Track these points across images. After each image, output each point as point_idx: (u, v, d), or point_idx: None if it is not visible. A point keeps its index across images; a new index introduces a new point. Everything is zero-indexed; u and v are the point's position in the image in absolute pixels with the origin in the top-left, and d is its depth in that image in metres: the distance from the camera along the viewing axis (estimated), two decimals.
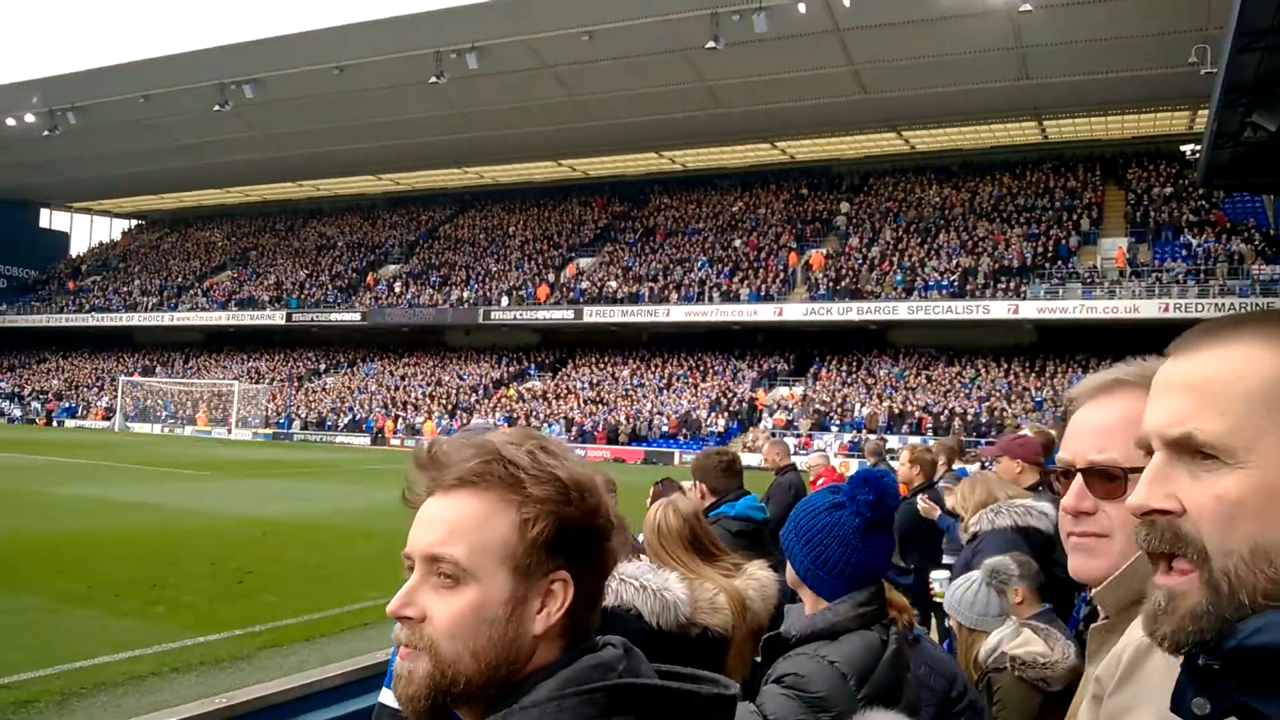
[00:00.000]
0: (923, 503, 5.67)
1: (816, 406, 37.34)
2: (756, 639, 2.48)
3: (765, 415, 38.17)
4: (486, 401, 43.41)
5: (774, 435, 32.86)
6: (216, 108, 43.44)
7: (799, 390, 39.62)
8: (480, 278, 49.81)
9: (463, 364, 49.04)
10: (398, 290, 51.21)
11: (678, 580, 2.56)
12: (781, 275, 42.42)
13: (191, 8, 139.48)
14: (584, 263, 49.19)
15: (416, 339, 51.40)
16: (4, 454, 26.61)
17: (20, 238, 66.29)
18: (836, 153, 49.22)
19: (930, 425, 33.50)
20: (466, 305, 47.83)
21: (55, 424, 49.28)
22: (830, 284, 40.33)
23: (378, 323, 50.04)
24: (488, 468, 0.97)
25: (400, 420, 43.11)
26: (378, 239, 58.71)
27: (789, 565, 2.16)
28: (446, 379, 47.31)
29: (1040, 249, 38.42)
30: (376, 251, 57.09)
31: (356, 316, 50.27)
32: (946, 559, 5.27)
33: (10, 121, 48.77)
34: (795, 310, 40.16)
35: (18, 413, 51.55)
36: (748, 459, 31.52)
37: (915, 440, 23.71)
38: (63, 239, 72.83)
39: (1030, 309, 35.66)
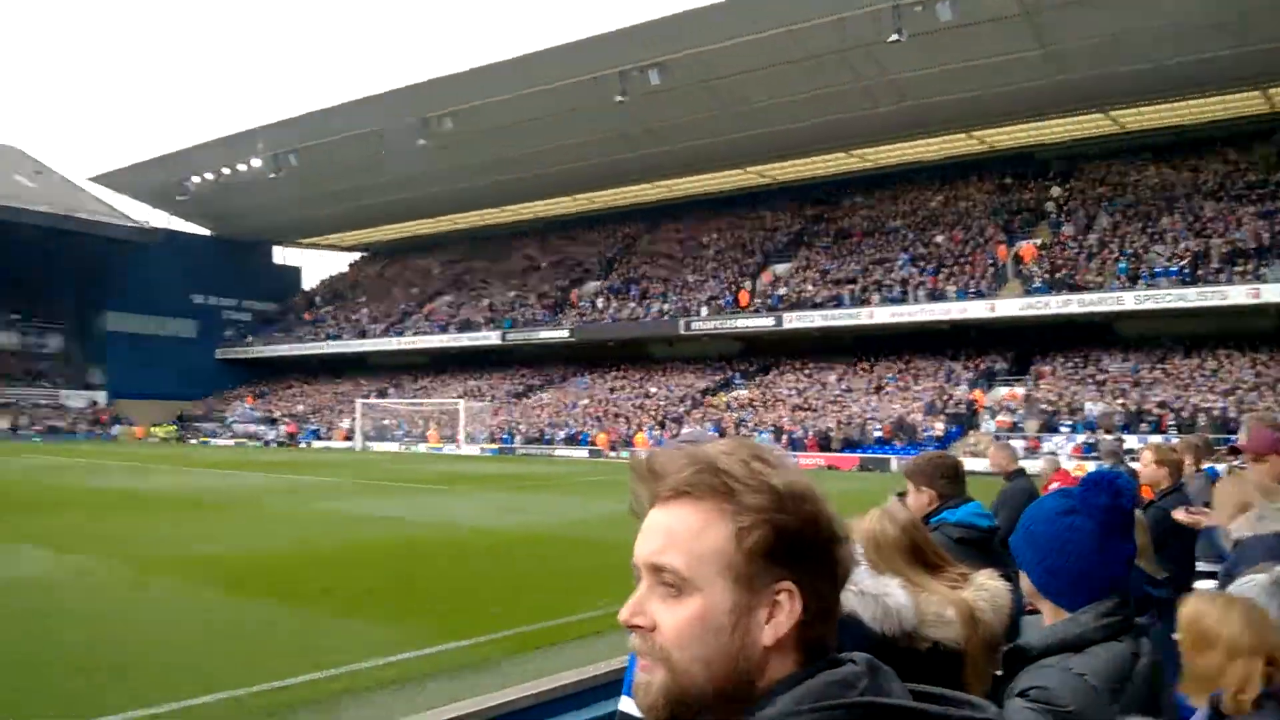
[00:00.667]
0: (1184, 516, 5.31)
1: (1042, 406, 35.44)
2: (991, 652, 2.41)
3: (986, 417, 36.59)
4: (695, 411, 43.83)
5: (998, 438, 31.44)
6: (421, 141, 46.10)
7: (1021, 390, 37.75)
8: (678, 289, 50.43)
9: (668, 375, 49.72)
10: (600, 306, 52.58)
11: (899, 586, 2.52)
12: (991, 270, 40.64)
13: (392, 49, 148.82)
14: (780, 269, 48.89)
15: (622, 352, 52.54)
16: (265, 475, 29.22)
17: (258, 274, 73.01)
18: (1039, 138, 46.71)
19: (1172, 422, 31.02)
20: (667, 317, 48.51)
21: (304, 445, 53.50)
22: (1046, 276, 38.28)
23: (585, 339, 51.55)
24: (701, 478, 0.98)
25: (613, 433, 44.19)
26: (579, 257, 60.50)
27: (1023, 576, 2.10)
28: (654, 390, 48.09)
29: (1279, 228, 35.02)
30: (578, 269, 58.84)
31: (565, 333, 51.99)
32: (1201, 566, 4.95)
33: (241, 167, 53.58)
34: (1009, 305, 38.29)
35: (271, 435, 56.37)
36: (971, 464, 30.37)
37: (1156, 439, 22.10)
38: (295, 274, 79.45)
39: (1273, 293, 32.42)
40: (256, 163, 52.54)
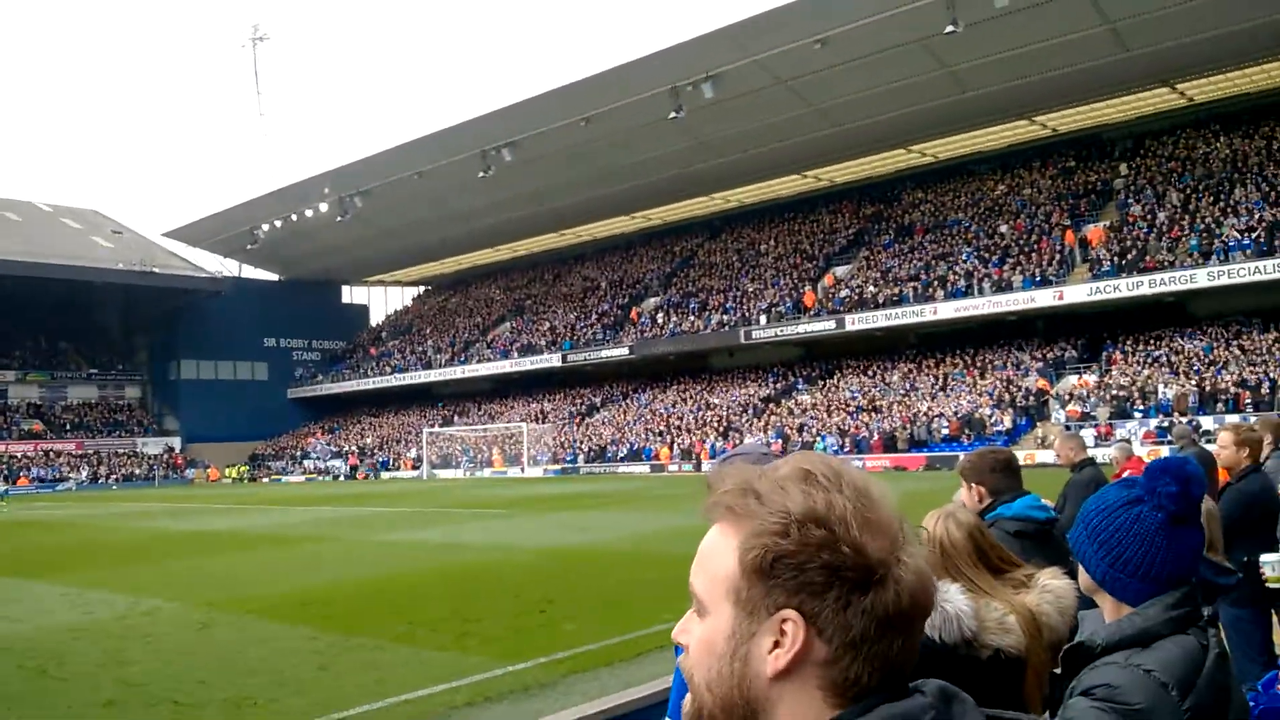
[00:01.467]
0: None
1: (1114, 392, 34.52)
2: (1056, 654, 2.26)
3: (1056, 408, 35.73)
4: (757, 420, 43.53)
5: (1067, 428, 30.64)
6: (481, 174, 46.73)
7: (1092, 377, 36.82)
8: (737, 299, 50.25)
9: (729, 385, 49.54)
10: (660, 321, 52.61)
11: (959, 592, 2.39)
12: (1058, 256, 39.73)
13: (449, 86, 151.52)
14: (840, 271, 48.43)
15: (682, 365, 52.54)
16: (335, 508, 29.68)
17: (327, 315, 74.68)
18: (1104, 118, 45.58)
19: (1249, 401, 30.04)
20: (727, 328, 48.36)
21: (371, 477, 54.35)
22: (1114, 259, 37.30)
23: (644, 354, 51.61)
24: (730, 498, 0.95)
25: (675, 446, 44.07)
26: (637, 274, 60.71)
27: (1081, 570, 1.97)
28: (715, 401, 47.94)
29: None
30: (637, 286, 59.01)
31: (624, 351, 52.13)
32: None
33: (309, 212, 54.83)
34: (1078, 292, 37.41)
35: (345, 468, 57.39)
36: (1042, 456, 29.47)
37: (1233, 419, 21.33)
38: (362, 311, 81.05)
39: None
40: (323, 207, 53.84)
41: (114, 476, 58.52)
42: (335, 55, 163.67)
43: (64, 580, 14.32)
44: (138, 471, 60.23)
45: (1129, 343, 37.78)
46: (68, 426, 63.04)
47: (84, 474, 58.03)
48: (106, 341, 68.07)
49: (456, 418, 59.70)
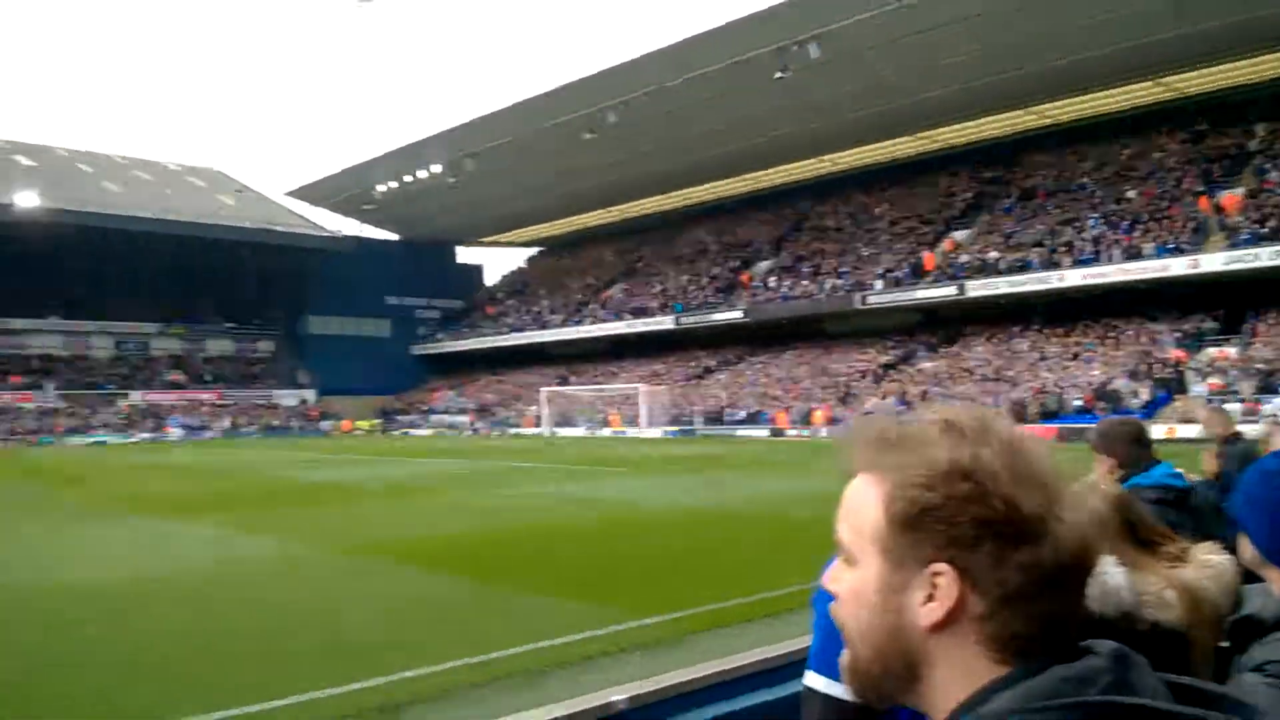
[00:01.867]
0: None
1: (1258, 365, 32.79)
2: (1218, 631, 2.26)
3: (1196, 380, 34.12)
4: (876, 386, 42.93)
5: (1209, 401, 29.29)
6: (587, 135, 46.94)
7: (1232, 350, 35.01)
8: (852, 264, 49.43)
9: (846, 350, 48.87)
10: (772, 285, 52.17)
11: (1115, 564, 2.41)
12: (1191, 224, 37.81)
13: (556, 48, 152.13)
14: (959, 235, 47.13)
15: (797, 330, 52.00)
16: (467, 460, 30.65)
17: (443, 274, 76.60)
18: (1239, 78, 42.87)
19: None
20: (841, 292, 47.67)
21: (501, 433, 55.56)
22: (1254, 226, 35.30)
23: (758, 318, 51.30)
24: (869, 447, 0.94)
25: (793, 411, 43.80)
26: (747, 237, 60.23)
27: (1242, 542, 1.92)
28: (832, 367, 47.40)
29: None
30: (747, 250, 58.60)
31: (738, 314, 51.91)
32: None
33: (421, 174, 56.06)
34: (1214, 260, 35.53)
35: (477, 425, 58.87)
36: (1182, 430, 28.29)
37: None
38: (477, 271, 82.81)
39: None
40: (436, 168, 54.93)
41: (254, 426, 61.50)
42: (448, 15, 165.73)
43: (207, 522, 15.26)
44: (276, 422, 63.11)
45: (1272, 315, 35.80)
46: (207, 378, 66.32)
47: (226, 423, 61.12)
48: (240, 297, 71.20)
49: (572, 377, 60.54)
